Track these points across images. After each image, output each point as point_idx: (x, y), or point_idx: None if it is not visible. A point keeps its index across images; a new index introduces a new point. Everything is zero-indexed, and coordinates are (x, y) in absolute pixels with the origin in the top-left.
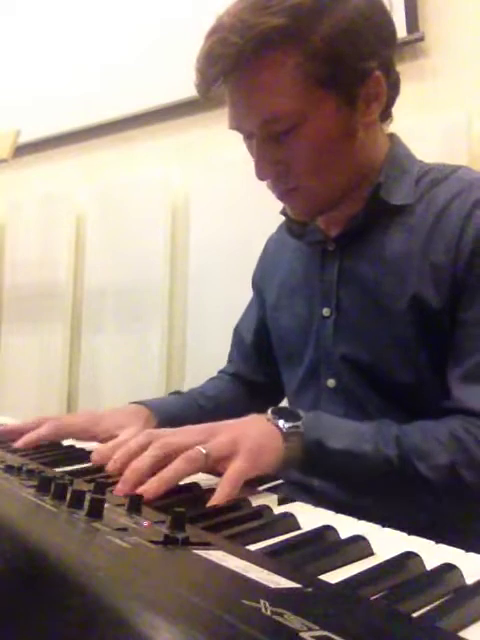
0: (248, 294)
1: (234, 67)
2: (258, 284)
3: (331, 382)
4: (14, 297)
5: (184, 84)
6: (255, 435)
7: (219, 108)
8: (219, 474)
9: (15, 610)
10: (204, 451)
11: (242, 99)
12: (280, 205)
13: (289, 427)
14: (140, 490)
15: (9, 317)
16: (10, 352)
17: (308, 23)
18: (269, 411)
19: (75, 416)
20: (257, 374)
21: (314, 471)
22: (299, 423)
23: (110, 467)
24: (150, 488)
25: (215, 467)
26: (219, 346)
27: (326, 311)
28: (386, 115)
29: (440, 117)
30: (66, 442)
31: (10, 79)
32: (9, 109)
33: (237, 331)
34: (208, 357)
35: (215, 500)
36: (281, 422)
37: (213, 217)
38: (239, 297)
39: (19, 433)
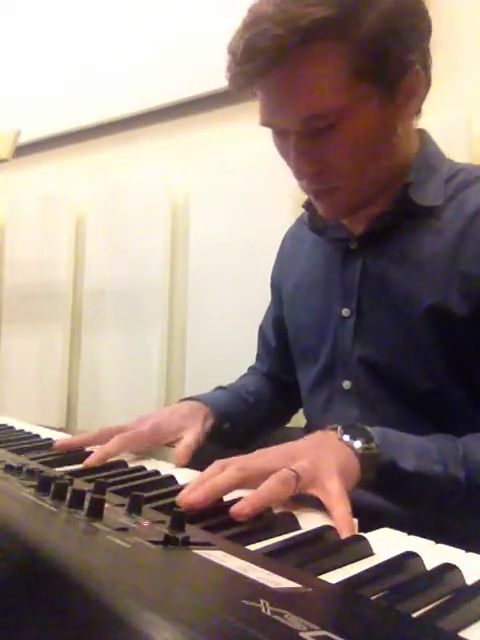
0: (248, 293)
1: (277, 61)
2: (275, 281)
3: (346, 383)
4: (14, 297)
5: (184, 84)
6: (334, 457)
7: (220, 108)
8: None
9: (15, 610)
10: (294, 473)
11: (284, 95)
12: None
13: (364, 448)
14: (234, 509)
15: (9, 317)
16: (10, 352)
17: (354, 14)
18: (339, 429)
19: (135, 425)
20: (287, 373)
21: (383, 493)
22: (373, 445)
23: (183, 496)
24: (246, 505)
25: (304, 490)
26: (219, 346)
27: (345, 311)
28: (417, 110)
29: (440, 117)
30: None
31: (10, 79)
32: (9, 109)
33: (262, 331)
34: (208, 357)
35: (345, 530)
36: (356, 443)
37: (213, 217)
38: (239, 297)
39: (80, 446)
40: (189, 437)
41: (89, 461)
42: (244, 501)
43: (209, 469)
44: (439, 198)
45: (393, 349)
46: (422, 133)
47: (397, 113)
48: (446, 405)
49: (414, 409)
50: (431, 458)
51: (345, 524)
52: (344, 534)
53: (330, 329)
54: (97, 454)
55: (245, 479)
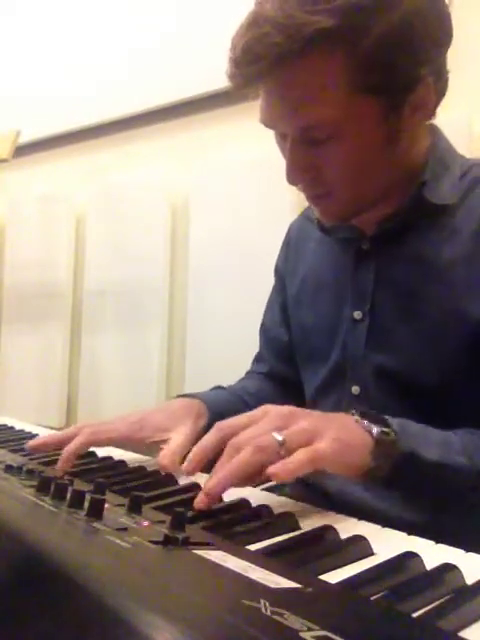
0: (248, 293)
1: (275, 68)
2: (281, 271)
3: (355, 388)
4: (14, 297)
5: (184, 84)
6: (340, 429)
7: (220, 108)
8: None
9: (15, 610)
10: (280, 438)
11: (280, 102)
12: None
13: (380, 433)
14: (205, 488)
15: (9, 317)
16: (10, 352)
17: (360, 25)
18: (356, 414)
19: (115, 421)
20: (296, 371)
21: (400, 485)
22: (390, 431)
23: (185, 467)
24: (212, 483)
25: (289, 455)
26: (219, 346)
27: (357, 314)
28: (427, 119)
29: (440, 117)
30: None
31: (10, 79)
32: (9, 109)
33: (265, 329)
34: (208, 357)
35: (282, 466)
36: (374, 428)
37: (213, 217)
38: (239, 297)
39: (54, 444)
40: (177, 439)
41: (58, 466)
42: (212, 479)
43: (206, 438)
44: (453, 196)
45: (407, 354)
46: (433, 128)
47: (402, 125)
48: (459, 412)
49: (426, 416)
50: (454, 449)
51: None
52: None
53: (340, 332)
54: (62, 457)
55: (224, 445)
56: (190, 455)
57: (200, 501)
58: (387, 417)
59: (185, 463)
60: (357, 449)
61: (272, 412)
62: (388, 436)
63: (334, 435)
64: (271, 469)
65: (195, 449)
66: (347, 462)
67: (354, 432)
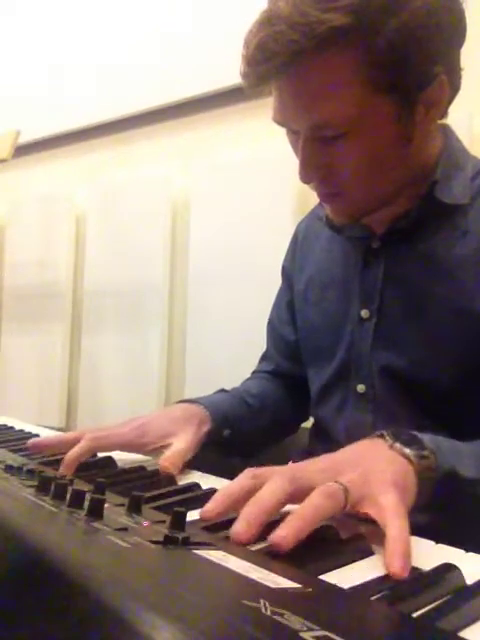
0: (248, 294)
1: (289, 65)
2: (288, 271)
3: (360, 387)
4: (14, 297)
5: (184, 84)
6: (387, 468)
7: (220, 108)
8: (358, 516)
9: (15, 610)
10: (342, 486)
11: (293, 99)
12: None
13: (420, 457)
14: (275, 536)
15: (9, 317)
16: (10, 352)
17: (374, 22)
18: (388, 436)
19: (117, 427)
20: (302, 370)
21: (440, 508)
22: (427, 453)
23: (208, 511)
24: (289, 530)
25: (354, 508)
26: (219, 346)
27: (365, 313)
28: (440, 117)
29: None
30: None
31: (10, 79)
32: (9, 109)
33: (273, 326)
34: (208, 357)
35: (397, 554)
36: (411, 452)
37: (213, 217)
38: (239, 297)
39: (55, 447)
40: (180, 444)
41: (61, 470)
42: (285, 528)
43: (242, 481)
44: (465, 196)
45: (415, 354)
46: (445, 128)
47: (414, 124)
48: (464, 412)
49: (431, 415)
50: None
51: (399, 545)
52: (395, 560)
53: (346, 330)
54: (67, 460)
55: (293, 494)
56: (216, 498)
57: (246, 537)
58: (418, 435)
59: (209, 505)
60: (409, 485)
61: (313, 465)
62: (427, 460)
63: (391, 481)
64: (394, 563)
65: (222, 493)
66: (409, 501)
67: (397, 467)
